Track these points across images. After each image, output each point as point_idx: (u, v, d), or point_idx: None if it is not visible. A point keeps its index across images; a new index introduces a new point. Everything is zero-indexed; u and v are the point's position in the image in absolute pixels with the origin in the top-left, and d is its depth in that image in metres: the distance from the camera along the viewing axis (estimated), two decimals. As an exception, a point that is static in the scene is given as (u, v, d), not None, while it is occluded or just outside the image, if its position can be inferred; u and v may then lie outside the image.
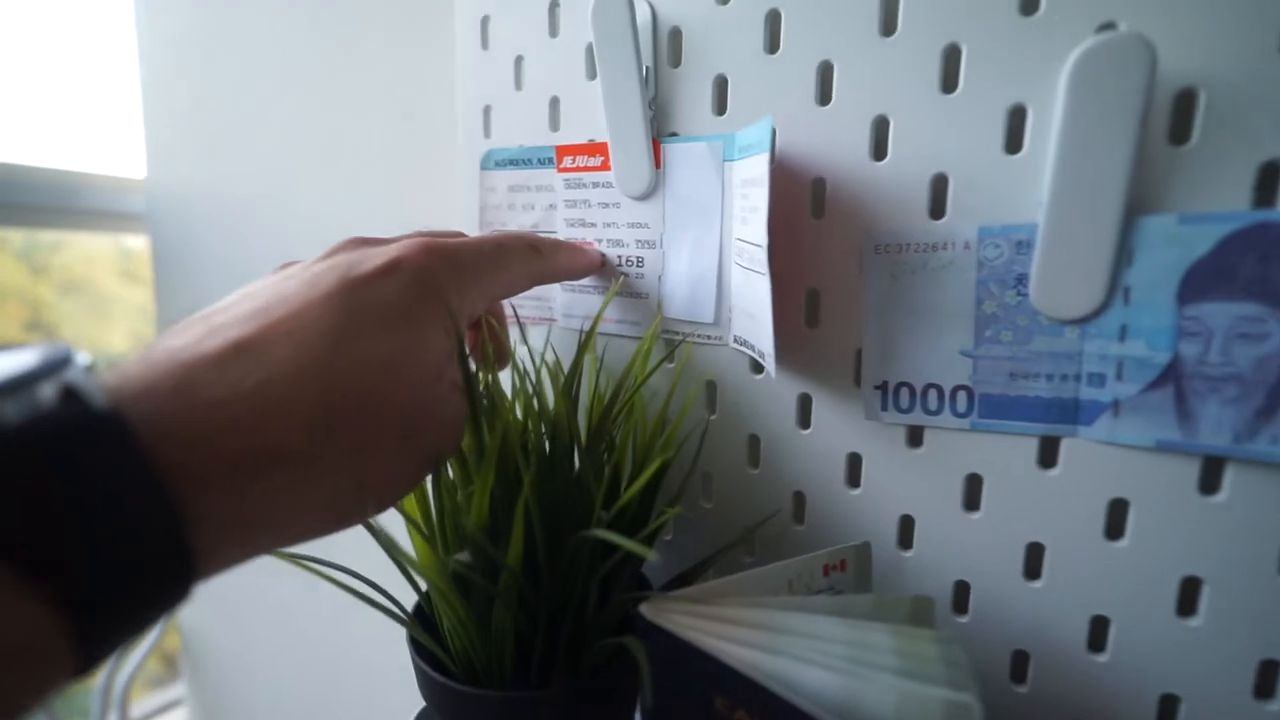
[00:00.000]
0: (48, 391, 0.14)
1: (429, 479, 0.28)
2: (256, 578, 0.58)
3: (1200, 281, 0.22)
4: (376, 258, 0.22)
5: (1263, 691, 0.24)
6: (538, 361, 0.33)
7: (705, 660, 0.21)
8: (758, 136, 0.29)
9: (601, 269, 0.35)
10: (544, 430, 0.30)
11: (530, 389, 0.30)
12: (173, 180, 0.67)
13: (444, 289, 0.23)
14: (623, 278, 0.35)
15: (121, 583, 0.15)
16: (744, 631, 0.22)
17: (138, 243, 0.78)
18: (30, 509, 0.13)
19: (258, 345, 0.18)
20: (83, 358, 0.16)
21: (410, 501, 0.28)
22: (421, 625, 0.30)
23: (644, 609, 0.23)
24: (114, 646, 0.15)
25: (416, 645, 0.30)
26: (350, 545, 0.28)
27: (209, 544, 0.16)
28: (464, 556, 0.25)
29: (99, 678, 0.73)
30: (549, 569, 0.28)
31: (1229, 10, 0.22)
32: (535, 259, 0.29)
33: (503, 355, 0.31)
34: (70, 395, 0.14)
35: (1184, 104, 0.23)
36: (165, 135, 0.67)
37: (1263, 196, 0.22)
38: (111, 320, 0.83)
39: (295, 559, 0.27)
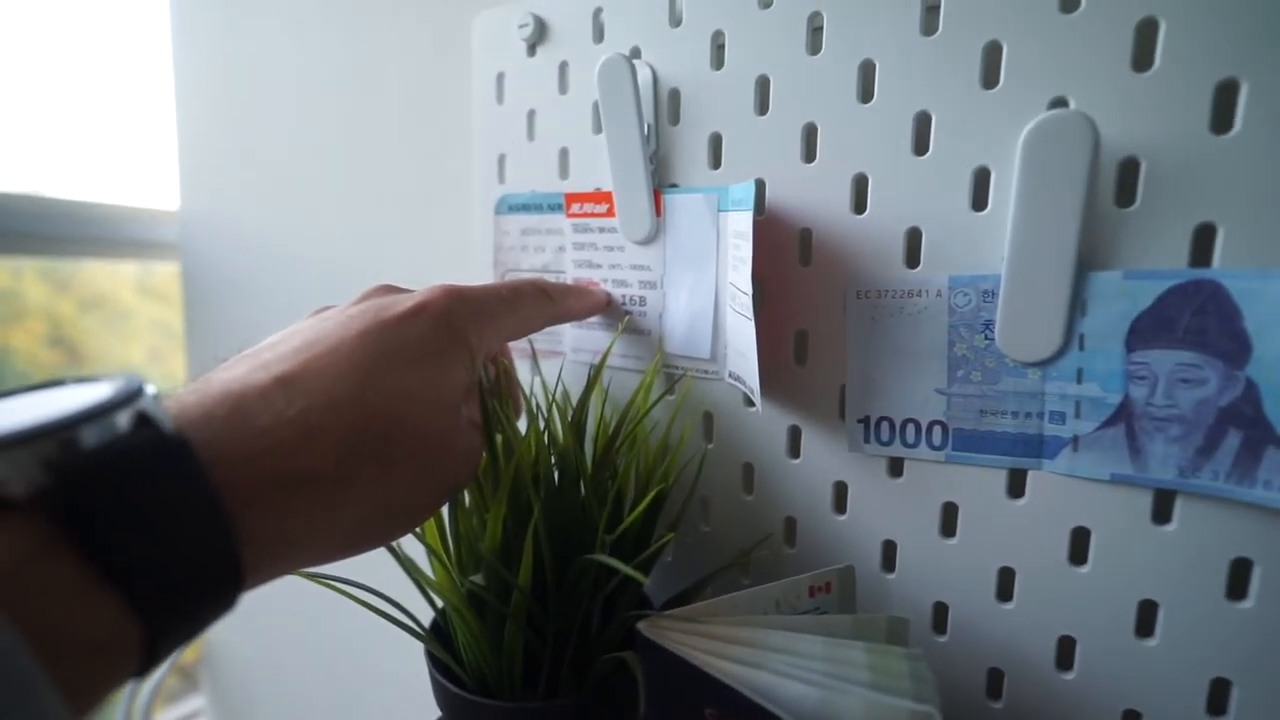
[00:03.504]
0: (123, 419, 0.17)
1: (446, 506, 0.31)
2: (277, 590, 0.60)
3: (1145, 331, 0.25)
4: (405, 302, 0.25)
5: (1214, 708, 0.26)
6: (549, 394, 0.35)
7: (696, 674, 0.24)
8: (744, 194, 0.31)
9: (608, 309, 0.38)
10: (553, 460, 0.32)
11: (541, 421, 0.33)
12: (204, 212, 0.71)
13: (464, 330, 0.26)
14: (628, 317, 0.38)
15: (183, 589, 0.17)
16: (732, 648, 0.24)
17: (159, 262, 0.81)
18: (110, 520, 0.15)
19: (299, 378, 0.21)
20: (151, 388, 0.18)
21: (429, 526, 0.31)
22: (438, 640, 0.33)
23: (642, 627, 0.26)
24: (170, 650, 0.17)
25: (433, 659, 0.33)
26: (372, 565, 0.31)
27: (254, 556, 0.18)
28: (478, 578, 0.28)
29: (120, 692, 0.76)
30: (556, 589, 0.30)
31: (1167, 93, 0.24)
32: (547, 303, 0.32)
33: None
34: (143, 421, 0.17)
35: (1129, 171, 0.25)
36: (198, 170, 0.71)
37: (1198, 255, 0.24)
38: (131, 335, 0.87)
39: (323, 580, 0.30)
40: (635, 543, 0.33)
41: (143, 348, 0.87)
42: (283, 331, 0.25)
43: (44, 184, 0.71)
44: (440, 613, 0.34)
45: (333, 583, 0.31)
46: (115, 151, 0.78)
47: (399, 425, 0.22)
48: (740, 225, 0.31)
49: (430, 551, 0.31)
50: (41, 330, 0.79)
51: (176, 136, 0.72)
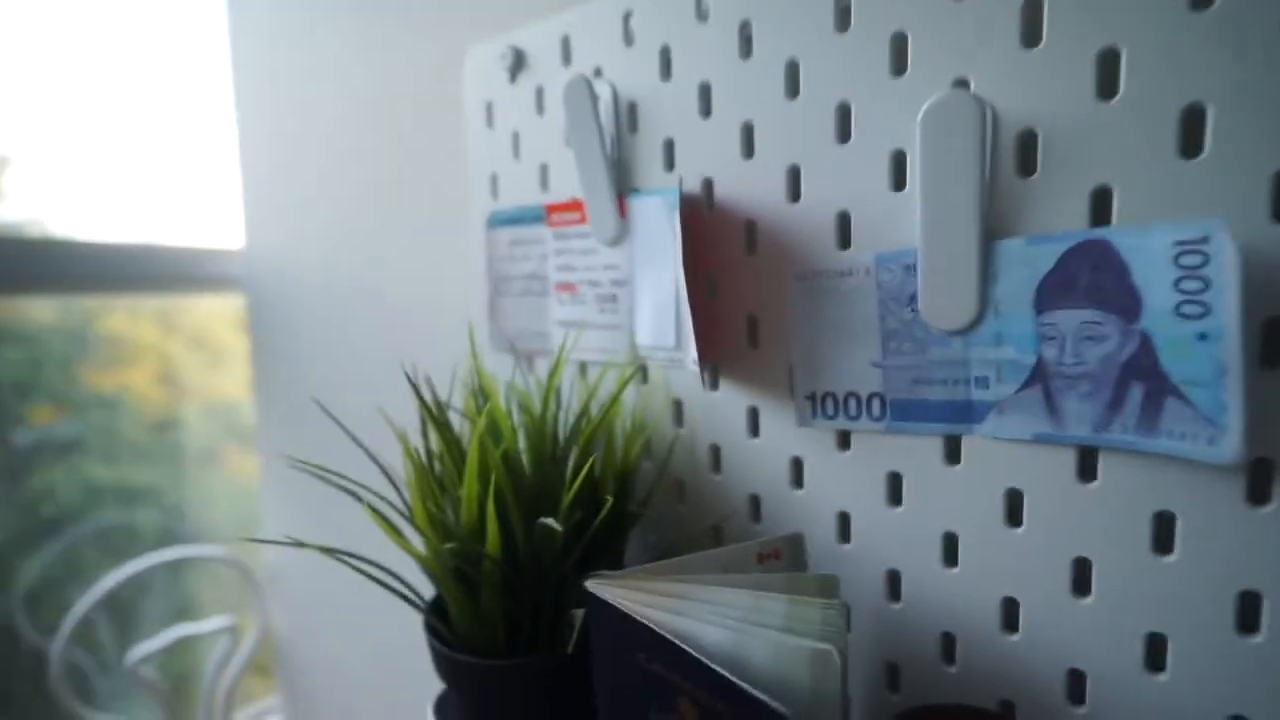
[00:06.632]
0: None
1: (432, 482, 0.35)
2: (339, 589, 0.66)
3: (1050, 292, 0.26)
4: None
5: (1152, 664, 0.26)
6: (518, 385, 0.39)
7: (629, 622, 0.26)
8: (676, 194, 0.34)
9: None
10: (519, 445, 0.35)
11: (516, 414, 0.36)
12: (265, 249, 0.80)
13: None
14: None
15: None
16: (662, 600, 0.27)
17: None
18: None
19: None
20: None
21: (416, 507, 0.34)
22: (439, 616, 0.36)
23: (588, 583, 0.28)
24: None
25: (431, 629, 0.36)
26: (387, 549, 0.35)
27: None
28: (450, 546, 0.31)
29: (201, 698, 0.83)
30: (529, 559, 0.33)
31: (1055, 66, 0.25)
32: None
33: None
34: None
35: (1028, 141, 0.26)
36: (259, 213, 0.80)
37: (1099, 216, 0.25)
38: (227, 369, 0.97)
39: (347, 561, 0.34)
40: (609, 524, 0.36)
41: (238, 381, 0.96)
42: None
43: (127, 230, 0.82)
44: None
45: (353, 561, 0.34)
46: (187, 201, 0.88)
47: None
48: (676, 222, 0.34)
49: (418, 530, 0.35)
50: (154, 368, 0.89)
51: (241, 184, 0.81)
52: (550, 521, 0.28)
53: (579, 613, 0.29)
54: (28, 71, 0.73)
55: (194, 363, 0.93)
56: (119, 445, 0.85)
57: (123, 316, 0.87)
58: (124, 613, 0.83)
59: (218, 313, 0.94)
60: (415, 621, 0.34)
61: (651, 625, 0.25)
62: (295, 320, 0.75)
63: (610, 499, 0.32)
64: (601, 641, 0.28)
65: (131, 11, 0.79)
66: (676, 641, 0.24)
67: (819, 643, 0.23)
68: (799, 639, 0.23)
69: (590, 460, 0.33)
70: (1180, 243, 0.22)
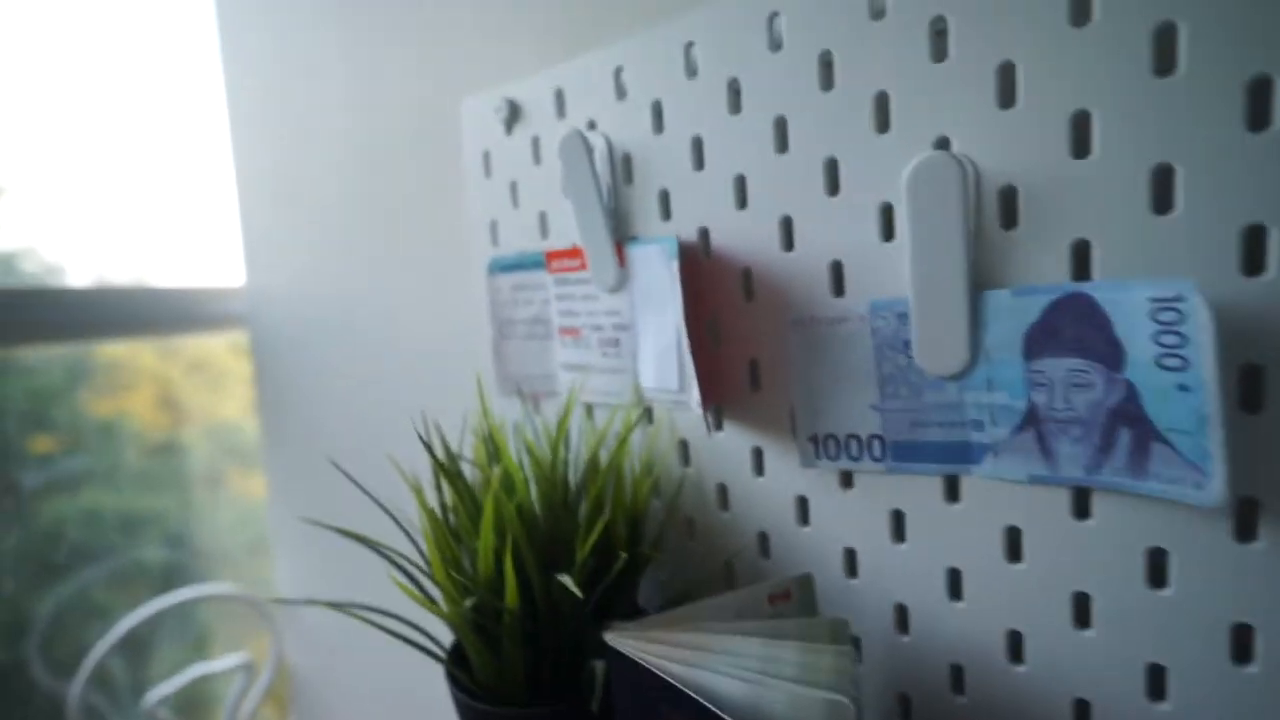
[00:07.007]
0: None
1: (448, 537, 0.36)
2: (353, 621, 0.67)
3: (1037, 341, 0.27)
4: None
5: (1154, 693, 0.27)
6: (525, 434, 0.40)
7: (648, 675, 0.27)
8: (673, 245, 0.35)
9: None
10: (531, 494, 0.36)
11: (526, 463, 0.37)
12: (267, 286, 0.81)
13: None
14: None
15: None
16: (680, 651, 0.28)
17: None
18: None
19: None
20: None
21: (435, 562, 0.35)
22: (460, 665, 0.37)
23: (606, 636, 0.29)
24: None
25: (452, 678, 0.37)
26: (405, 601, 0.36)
27: None
28: (470, 602, 0.32)
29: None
30: (547, 608, 0.34)
31: (1031, 126, 0.27)
32: None
33: None
34: None
35: (1009, 197, 0.28)
36: (260, 250, 0.81)
37: (1079, 269, 0.26)
38: (227, 391, 0.98)
39: (365, 617, 0.35)
40: (625, 563, 0.37)
41: (238, 403, 0.97)
42: None
43: (122, 263, 0.83)
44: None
45: (371, 616, 0.36)
46: (190, 243, 0.89)
47: None
48: (675, 270, 0.35)
49: (437, 585, 0.35)
50: (153, 392, 0.90)
51: (240, 221, 0.82)
52: (568, 582, 0.29)
53: (599, 664, 0.30)
54: (23, 103, 0.74)
55: (193, 386, 0.94)
56: (122, 472, 0.86)
57: (120, 344, 0.88)
58: (138, 649, 0.84)
59: (214, 338, 0.94)
60: (423, 660, 0.35)
61: (670, 679, 0.26)
62: (300, 354, 0.76)
63: (624, 555, 0.33)
64: (623, 693, 0.29)
65: (128, 51, 0.81)
66: (695, 696, 0.25)
67: (833, 694, 0.24)
68: (814, 690, 0.24)
69: (604, 514, 0.34)
70: (1156, 299, 0.23)
